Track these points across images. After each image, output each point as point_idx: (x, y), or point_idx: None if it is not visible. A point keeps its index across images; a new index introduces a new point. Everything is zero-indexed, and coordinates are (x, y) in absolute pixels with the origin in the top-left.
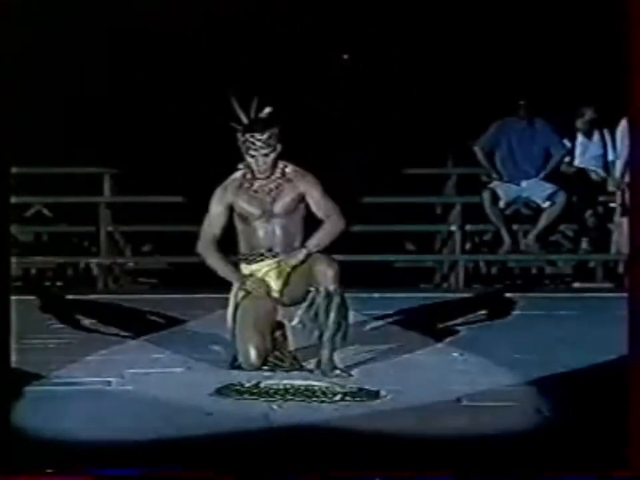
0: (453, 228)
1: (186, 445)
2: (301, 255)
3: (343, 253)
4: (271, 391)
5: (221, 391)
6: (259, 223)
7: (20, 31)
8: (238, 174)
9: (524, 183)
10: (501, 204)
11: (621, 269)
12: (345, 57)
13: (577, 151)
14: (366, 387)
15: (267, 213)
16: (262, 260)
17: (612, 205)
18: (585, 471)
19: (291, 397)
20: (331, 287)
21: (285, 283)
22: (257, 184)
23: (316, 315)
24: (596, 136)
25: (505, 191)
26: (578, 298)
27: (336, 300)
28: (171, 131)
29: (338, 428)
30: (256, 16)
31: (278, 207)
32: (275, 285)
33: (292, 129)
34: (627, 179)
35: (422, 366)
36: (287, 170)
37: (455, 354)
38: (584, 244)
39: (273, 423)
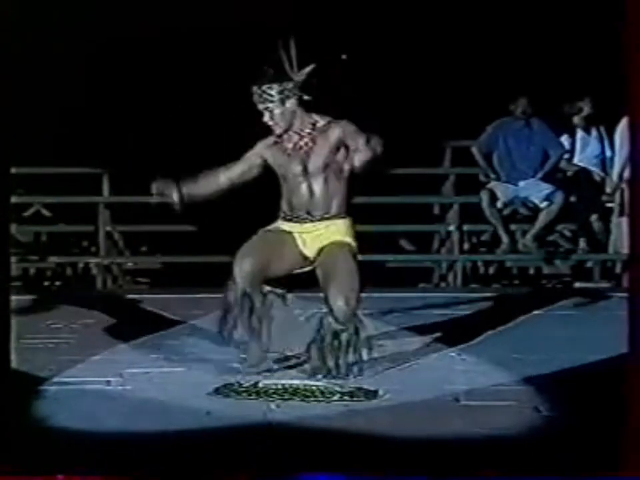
0: (451, 228)
1: (184, 444)
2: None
3: None
4: (270, 390)
5: (219, 391)
6: (297, 182)
7: (21, 32)
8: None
9: (522, 183)
10: (499, 204)
11: (618, 268)
12: (344, 56)
13: (577, 147)
14: (364, 387)
15: (304, 170)
16: (300, 222)
17: (610, 205)
18: (583, 471)
19: (289, 397)
20: (338, 326)
21: (319, 251)
22: (289, 141)
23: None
24: (594, 133)
25: (502, 191)
26: (576, 298)
27: (341, 338)
28: (170, 131)
29: (336, 427)
30: (253, 18)
31: (314, 163)
32: (307, 250)
33: None
34: (625, 178)
35: (420, 366)
36: (319, 123)
37: (452, 354)
38: (582, 244)
39: (272, 423)
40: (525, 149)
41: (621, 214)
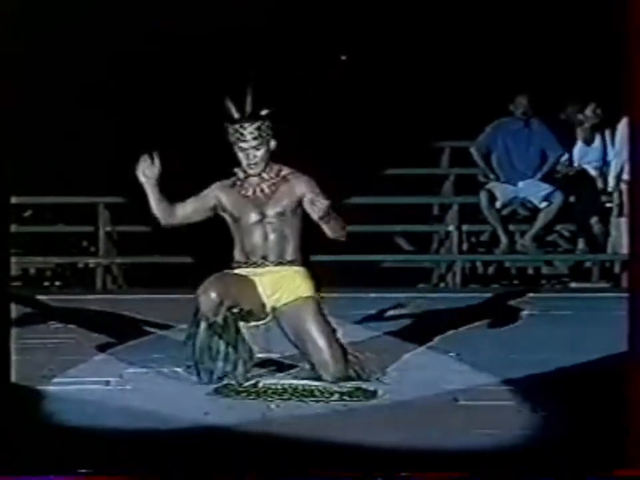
0: (450, 228)
1: (184, 444)
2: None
3: (341, 252)
4: (269, 390)
5: (218, 391)
6: (252, 226)
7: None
8: (234, 178)
9: (521, 184)
10: (498, 204)
11: (617, 269)
12: (343, 57)
13: (575, 156)
14: (363, 387)
15: (260, 215)
16: (256, 267)
17: (609, 205)
18: (583, 470)
19: (288, 397)
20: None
21: (282, 307)
22: (249, 184)
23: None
24: (597, 141)
25: (501, 191)
26: (574, 298)
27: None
28: (170, 136)
29: (335, 427)
30: (252, 20)
31: (272, 209)
32: (266, 297)
33: (289, 128)
34: (624, 177)
35: (419, 366)
36: (283, 172)
37: (451, 354)
38: (581, 244)
39: (271, 422)
40: (524, 149)
41: (620, 214)
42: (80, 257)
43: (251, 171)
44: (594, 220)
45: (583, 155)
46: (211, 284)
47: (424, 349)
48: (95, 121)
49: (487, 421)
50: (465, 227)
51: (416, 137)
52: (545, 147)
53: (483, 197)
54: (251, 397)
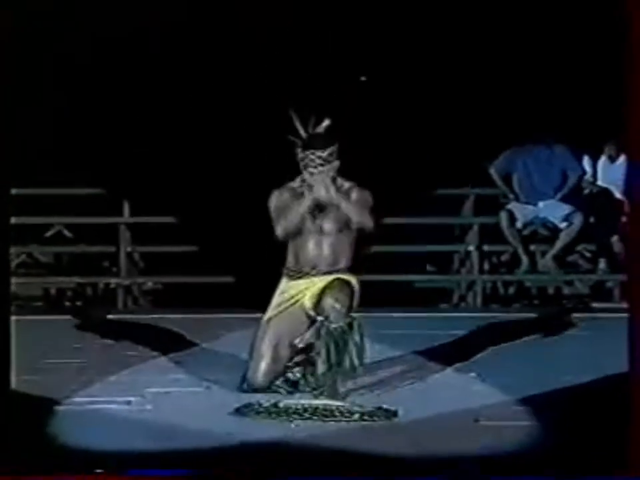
0: (471, 248)
1: (205, 464)
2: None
3: (362, 272)
4: (290, 410)
5: (239, 411)
6: (310, 236)
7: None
8: (295, 183)
9: (541, 204)
10: (519, 224)
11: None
12: (363, 78)
13: (599, 172)
14: (384, 406)
15: (318, 228)
16: (305, 277)
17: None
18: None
19: (309, 417)
20: (333, 325)
21: (318, 300)
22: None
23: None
24: (621, 159)
25: (522, 211)
26: (595, 318)
27: (334, 338)
28: (191, 151)
29: (355, 446)
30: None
31: (329, 222)
32: (307, 301)
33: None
34: None
35: (439, 386)
36: (344, 187)
37: (472, 374)
38: (602, 264)
39: (292, 442)
40: (544, 169)
41: None
42: (101, 277)
43: (321, 193)
44: (615, 239)
45: (607, 172)
46: (261, 363)
47: (445, 369)
48: (116, 140)
49: (507, 440)
50: (485, 247)
51: (437, 158)
52: (565, 167)
53: (504, 217)
54: (271, 417)
